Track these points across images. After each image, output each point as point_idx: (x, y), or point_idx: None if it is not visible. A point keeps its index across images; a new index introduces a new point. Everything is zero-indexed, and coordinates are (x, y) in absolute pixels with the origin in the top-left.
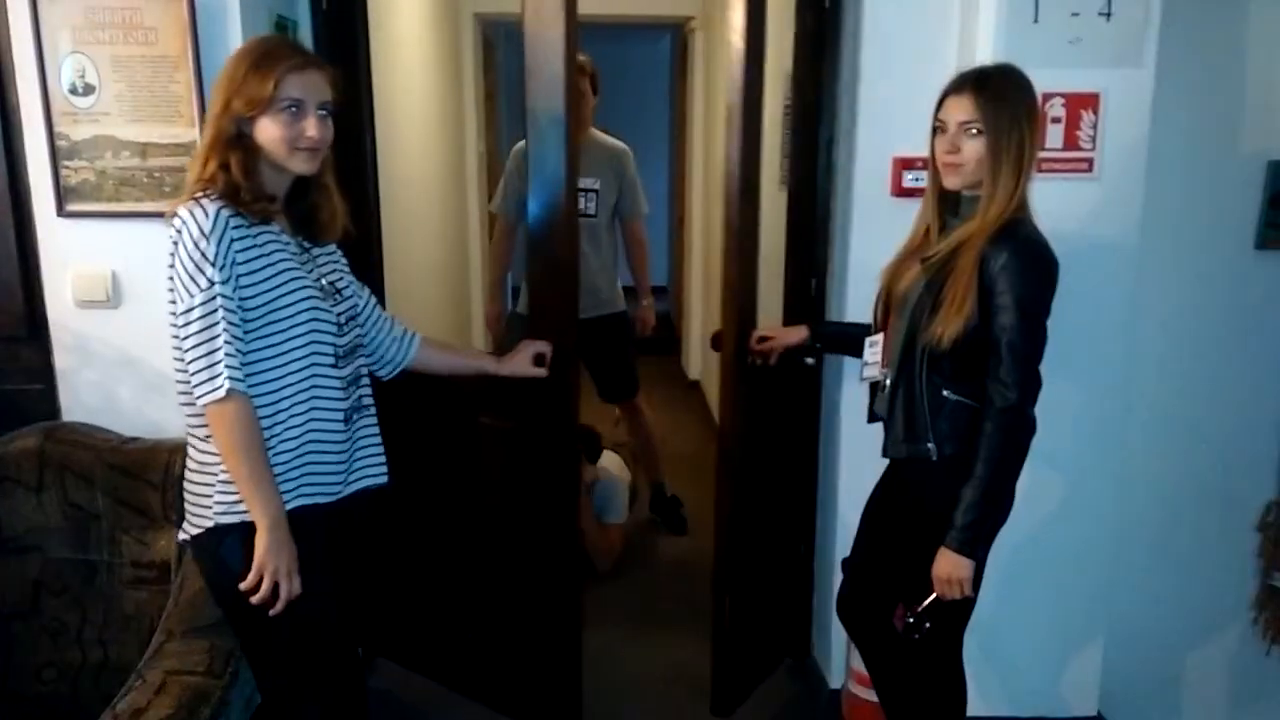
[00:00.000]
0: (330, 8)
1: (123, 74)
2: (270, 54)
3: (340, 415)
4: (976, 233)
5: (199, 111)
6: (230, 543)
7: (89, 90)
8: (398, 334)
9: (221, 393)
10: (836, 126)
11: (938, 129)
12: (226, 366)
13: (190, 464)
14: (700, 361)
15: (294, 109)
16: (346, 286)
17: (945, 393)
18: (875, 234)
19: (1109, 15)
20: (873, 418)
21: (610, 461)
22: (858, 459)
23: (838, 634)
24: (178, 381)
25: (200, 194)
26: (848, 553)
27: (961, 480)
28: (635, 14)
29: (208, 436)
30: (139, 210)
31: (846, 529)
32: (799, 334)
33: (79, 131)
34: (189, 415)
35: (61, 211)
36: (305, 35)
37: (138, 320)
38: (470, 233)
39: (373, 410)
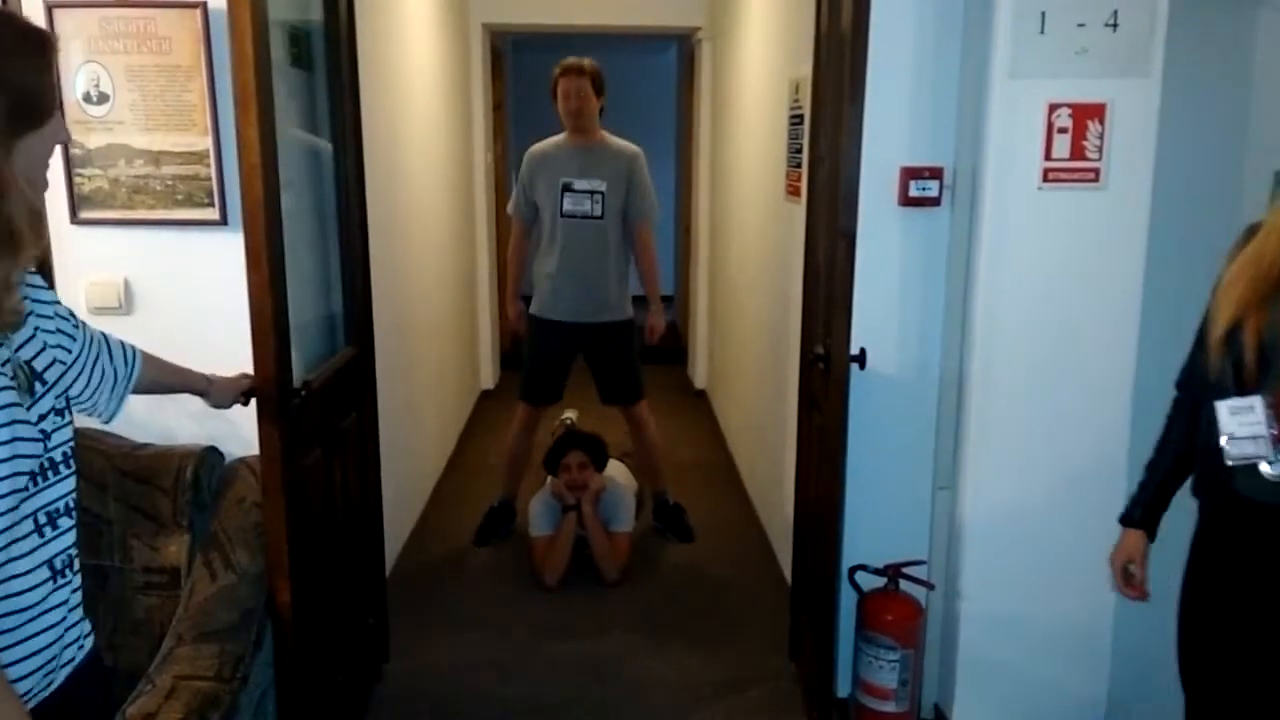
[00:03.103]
0: (345, 19)
1: (137, 83)
2: (30, 33)
3: (44, 573)
4: None
5: (213, 120)
6: None
7: (103, 99)
8: (122, 374)
9: None
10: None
11: None
12: None
13: None
14: (706, 371)
15: (60, 114)
16: (51, 365)
17: None
18: (881, 244)
19: (1115, 26)
20: (1241, 504)
21: (617, 470)
22: (857, 469)
23: (844, 642)
24: None
25: None
26: (855, 560)
27: None
28: (643, 24)
29: None
30: (152, 218)
31: (850, 536)
32: (1141, 540)
33: (93, 140)
34: None
35: (75, 219)
36: (318, 47)
37: (150, 327)
38: (478, 240)
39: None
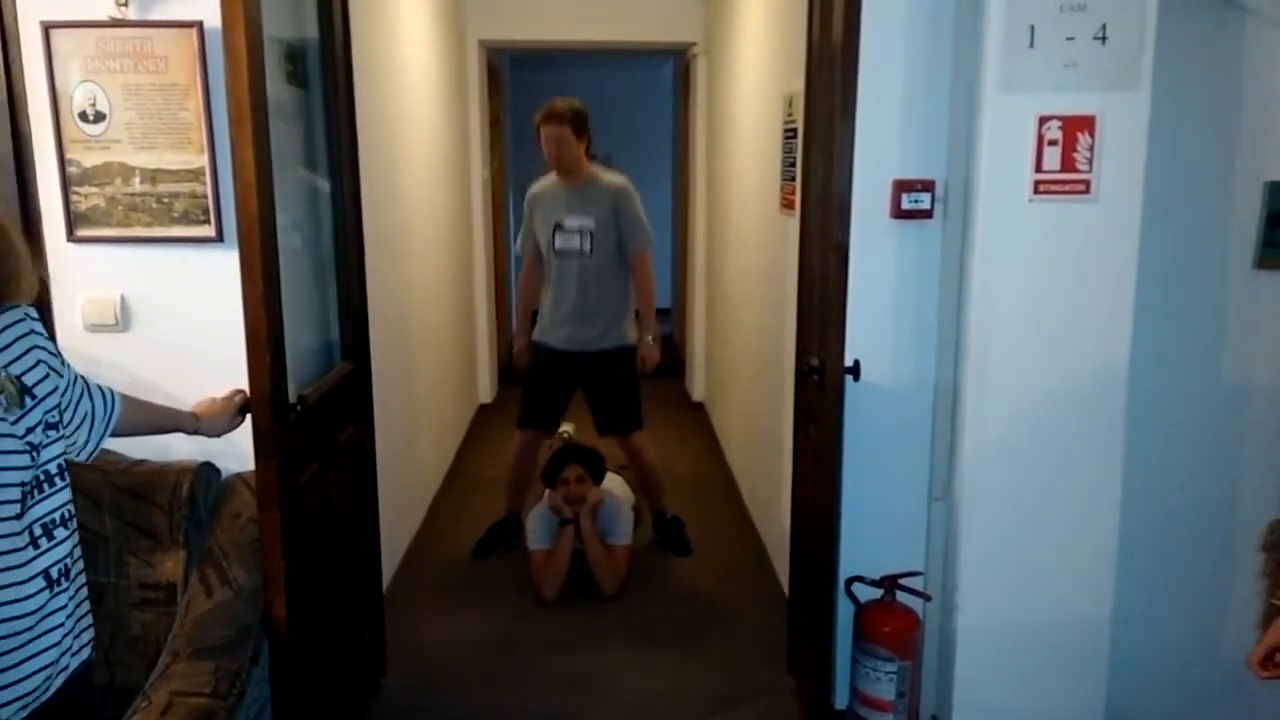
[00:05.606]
0: (341, 36)
1: (133, 102)
2: None
3: (40, 583)
4: None
5: (209, 138)
6: None
7: (100, 118)
8: (100, 415)
9: None
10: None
11: None
12: None
13: None
14: (704, 383)
15: None
16: (44, 378)
17: None
18: (874, 257)
19: (1104, 39)
20: None
21: (614, 483)
22: (852, 481)
23: (841, 654)
24: None
25: None
26: (852, 572)
27: None
28: (639, 40)
29: None
30: (148, 235)
31: (847, 548)
32: None
33: (89, 158)
34: None
35: (71, 237)
36: (314, 65)
37: (146, 344)
38: (475, 254)
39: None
